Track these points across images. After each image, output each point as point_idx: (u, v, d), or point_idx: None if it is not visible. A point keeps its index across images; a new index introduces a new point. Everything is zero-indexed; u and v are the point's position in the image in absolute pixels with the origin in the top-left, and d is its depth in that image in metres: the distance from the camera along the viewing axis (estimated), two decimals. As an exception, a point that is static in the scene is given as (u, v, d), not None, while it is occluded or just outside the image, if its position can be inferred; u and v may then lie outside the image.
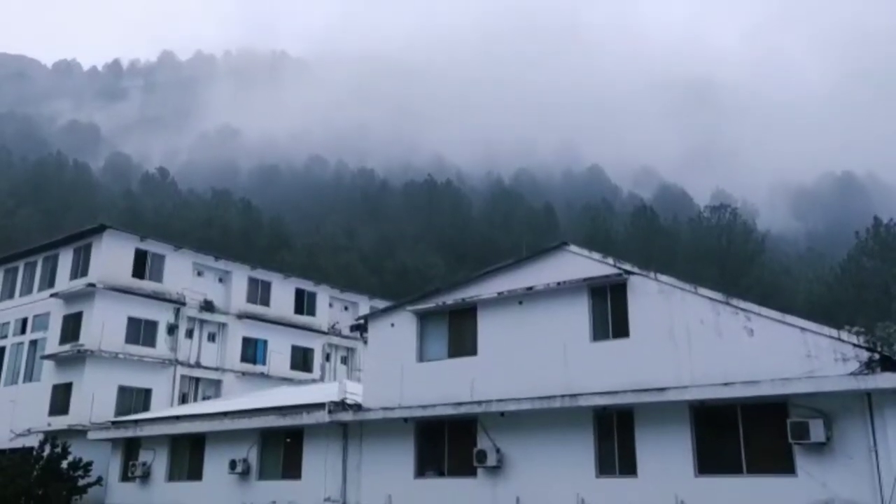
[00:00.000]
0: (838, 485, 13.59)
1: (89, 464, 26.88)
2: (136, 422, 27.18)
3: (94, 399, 31.43)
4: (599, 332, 17.41)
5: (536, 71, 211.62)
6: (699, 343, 15.79)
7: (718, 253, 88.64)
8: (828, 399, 13.92)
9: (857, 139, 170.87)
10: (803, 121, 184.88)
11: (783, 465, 14.28)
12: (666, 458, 15.53)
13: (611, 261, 17.73)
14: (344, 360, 44.79)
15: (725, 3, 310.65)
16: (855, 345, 14.17)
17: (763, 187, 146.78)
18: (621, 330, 17.05)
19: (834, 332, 14.56)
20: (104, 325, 32.99)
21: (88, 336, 32.60)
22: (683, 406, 15.48)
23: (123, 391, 33.08)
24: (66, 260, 35.81)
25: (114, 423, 28.48)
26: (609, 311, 17.38)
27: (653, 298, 16.71)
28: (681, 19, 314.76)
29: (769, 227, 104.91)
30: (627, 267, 17.38)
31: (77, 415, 31.05)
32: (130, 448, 26.55)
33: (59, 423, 31.21)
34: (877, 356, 13.84)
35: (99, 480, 26.67)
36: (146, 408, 32.90)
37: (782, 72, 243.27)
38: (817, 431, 13.72)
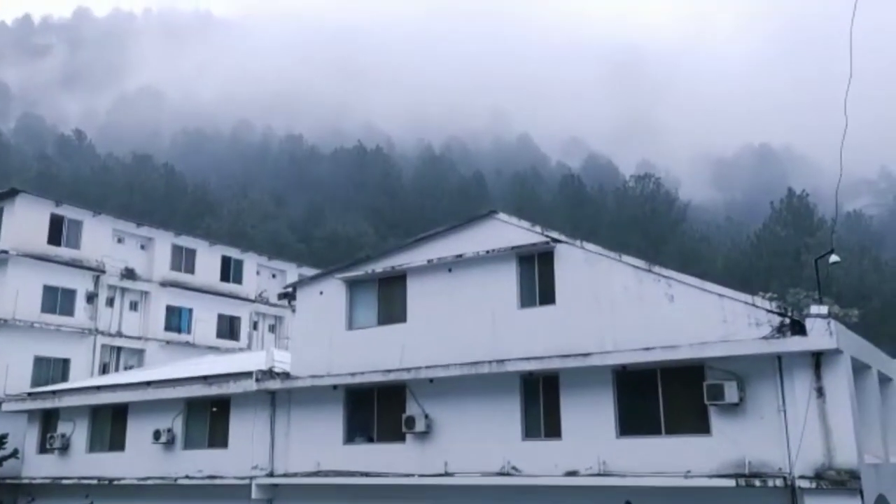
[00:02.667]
0: (750, 443, 14.27)
1: (4, 436, 26.03)
2: (53, 392, 26.36)
3: (9, 370, 30.30)
4: (527, 299, 17.69)
5: (468, 38, 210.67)
6: (622, 309, 16.23)
7: (642, 222, 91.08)
8: (742, 362, 14.54)
9: (775, 112, 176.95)
10: (725, 94, 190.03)
11: (699, 426, 14.89)
12: (589, 420, 16.00)
13: (538, 229, 17.96)
14: (272, 329, 44.35)
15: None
16: (768, 310, 14.80)
17: (685, 158, 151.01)
18: (548, 297, 17.36)
19: (749, 298, 15.15)
20: (18, 293, 31.73)
21: (1, 305, 31.32)
22: (606, 370, 15.94)
23: (40, 362, 32.03)
24: (-26, 226, 34.14)
25: (30, 394, 27.55)
26: (536, 279, 17.66)
27: (579, 266, 17.05)
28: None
29: (691, 198, 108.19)
30: (555, 235, 17.65)
31: (-10, 387, 29.87)
32: (48, 420, 25.78)
33: (-29, 395, 29.99)
34: (787, 321, 14.48)
35: (15, 453, 25.85)
36: (64, 378, 31.95)
37: (708, 46, 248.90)
38: (731, 393, 14.33)
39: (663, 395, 15.50)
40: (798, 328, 14.19)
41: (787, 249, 71.80)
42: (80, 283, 34.60)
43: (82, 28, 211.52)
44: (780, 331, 14.42)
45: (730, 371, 14.59)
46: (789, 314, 14.64)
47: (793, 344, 14.08)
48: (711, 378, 14.71)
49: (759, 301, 15.15)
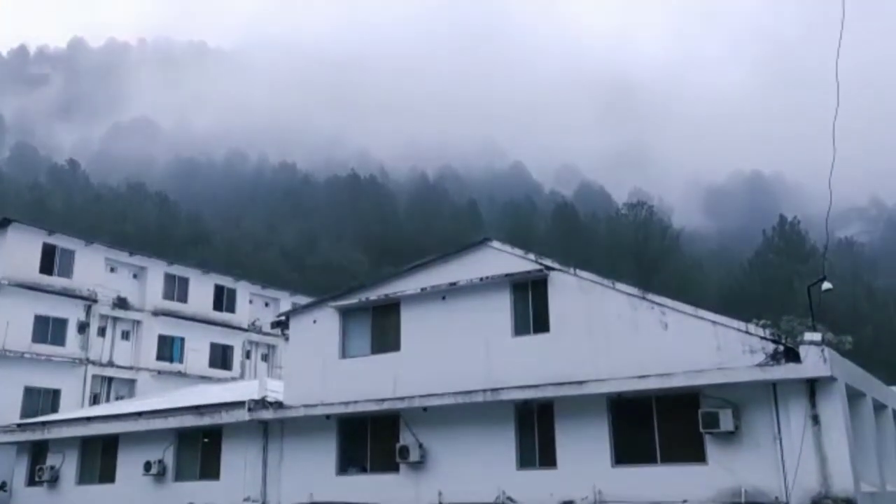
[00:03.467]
0: (746, 472, 14.18)
1: (-8, 469, 25.68)
2: (43, 424, 26.03)
3: (-2, 401, 30.01)
4: (521, 327, 17.65)
5: (462, 66, 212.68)
6: (617, 337, 16.20)
7: (635, 249, 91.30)
8: (736, 390, 14.50)
9: (765, 140, 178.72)
10: (716, 122, 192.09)
11: (694, 454, 14.80)
12: (584, 449, 15.88)
13: (532, 257, 17.99)
14: (265, 358, 44.10)
15: (648, 7, 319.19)
16: (762, 337, 14.80)
17: (678, 186, 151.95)
18: (542, 325, 17.33)
19: (742, 326, 15.16)
20: (8, 323, 31.54)
21: (-9, 335, 31.08)
22: (601, 398, 15.87)
23: (30, 392, 31.76)
24: (-34, 255, 33.98)
25: (19, 425, 27.19)
26: (530, 307, 17.64)
27: (573, 293, 17.05)
28: (604, 20, 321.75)
29: (683, 225, 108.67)
30: (548, 263, 17.66)
31: (-21, 418, 29.52)
32: (38, 451, 25.41)
33: (-40, 426, 29.61)
34: (781, 348, 14.48)
35: (3, 486, 25.50)
36: (55, 409, 31.67)
37: (699, 75, 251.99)
38: (726, 421, 14.27)
39: (658, 424, 15.43)
40: (792, 355, 14.19)
41: (780, 276, 72.01)
42: (72, 313, 34.43)
43: (77, 58, 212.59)
44: (775, 358, 14.41)
45: (725, 399, 14.53)
46: (783, 341, 14.64)
47: (787, 371, 14.05)
48: (706, 406, 14.65)
49: (753, 328, 15.16)
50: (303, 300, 36.59)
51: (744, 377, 14.36)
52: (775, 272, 74.11)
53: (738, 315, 16.15)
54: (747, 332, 14.95)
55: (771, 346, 14.59)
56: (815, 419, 13.84)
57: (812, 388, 13.98)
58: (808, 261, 72.81)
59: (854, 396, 15.34)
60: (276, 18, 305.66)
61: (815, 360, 13.77)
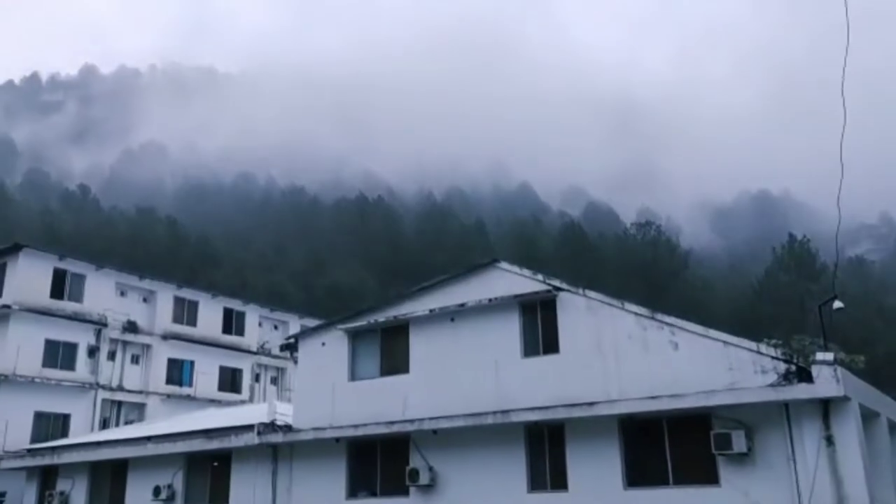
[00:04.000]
0: (760, 493, 14.01)
1: (3, 494, 25.69)
2: (53, 449, 26.00)
3: (9, 426, 30.05)
4: (530, 348, 17.58)
5: (467, 88, 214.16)
6: (627, 357, 16.12)
7: (644, 269, 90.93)
8: (749, 410, 14.37)
9: (772, 159, 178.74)
10: (723, 141, 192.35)
11: (707, 476, 14.64)
12: (596, 471, 15.75)
13: (541, 277, 17.96)
14: (274, 381, 44.03)
15: (653, 27, 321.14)
16: (773, 357, 14.69)
17: (685, 205, 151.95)
18: (551, 345, 17.26)
19: (754, 346, 15.05)
20: (19, 348, 31.64)
21: (2, 360, 31.22)
22: (612, 420, 15.75)
23: (40, 417, 31.77)
24: (-22, 281, 34.20)
25: (29, 450, 27.18)
26: (539, 327, 17.59)
27: (582, 314, 16.99)
28: (610, 42, 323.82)
29: (692, 244, 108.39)
30: (557, 283, 17.63)
31: (-11, 443, 29.55)
32: (47, 477, 25.35)
33: (-30, 452, 29.63)
34: (793, 368, 14.37)
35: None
36: (65, 434, 31.65)
37: (705, 95, 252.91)
38: (739, 442, 14.13)
39: (670, 445, 15.29)
40: (805, 375, 14.07)
41: (791, 295, 71.52)
42: (82, 337, 34.51)
43: (89, 85, 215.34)
44: (787, 378, 14.30)
45: (737, 420, 14.40)
46: (795, 361, 14.52)
47: (800, 391, 13.93)
48: (719, 427, 14.52)
49: (765, 348, 15.03)
50: (311, 322, 36.60)
51: (756, 398, 14.24)
52: (785, 291, 73.62)
53: (748, 335, 16.05)
54: (759, 352, 14.84)
55: (783, 366, 14.48)
56: (830, 440, 13.69)
57: (826, 408, 13.84)
58: (818, 279, 72.34)
59: (868, 416, 15.19)
60: (283, 42, 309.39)
61: (827, 379, 13.65)
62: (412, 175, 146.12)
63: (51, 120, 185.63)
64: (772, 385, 14.29)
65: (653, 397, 15.03)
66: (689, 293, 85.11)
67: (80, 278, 35.14)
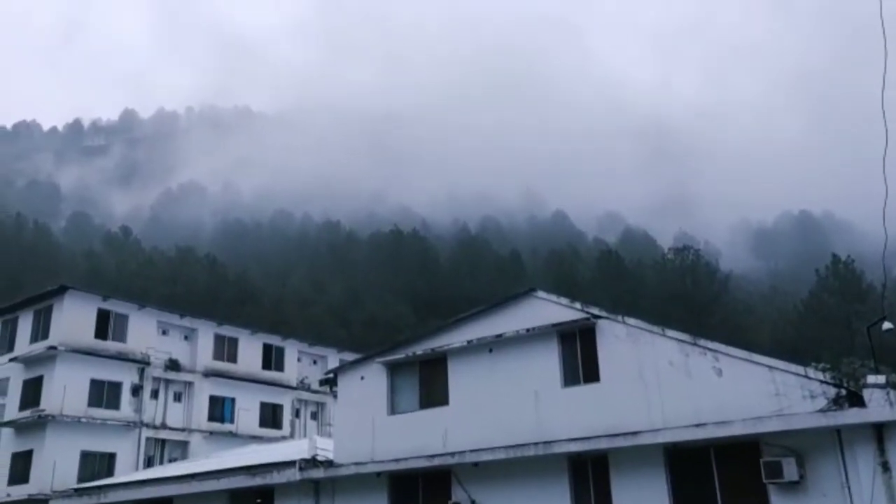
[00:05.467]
0: (814, 523, 13.57)
1: (50, 534, 25.92)
2: (100, 488, 26.25)
3: (56, 466, 30.49)
4: (570, 378, 17.38)
5: (500, 118, 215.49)
6: (669, 385, 15.84)
7: (683, 294, 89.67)
8: (799, 437, 13.99)
9: (812, 179, 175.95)
10: (760, 162, 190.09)
11: (759, 506, 14.24)
12: (642, 502, 15.41)
13: (578, 305, 17.81)
14: (314, 416, 44.11)
15: (683, 51, 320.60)
16: (822, 381, 14.31)
17: (724, 228, 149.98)
18: (592, 374, 17.05)
19: (801, 370, 14.69)
20: (66, 388, 32.18)
21: (49, 400, 31.75)
22: (657, 449, 15.44)
23: (86, 456, 32.16)
24: (25, 323, 35.04)
25: (77, 490, 27.49)
26: (579, 356, 17.40)
27: (621, 342, 16.78)
28: (641, 67, 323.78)
29: (732, 268, 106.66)
30: (595, 311, 17.46)
31: (38, 483, 30.04)
32: (93, 516, 25.59)
33: (19, 492, 30.18)
34: (844, 392, 13.98)
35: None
36: (110, 473, 31.97)
37: (739, 116, 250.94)
38: (790, 470, 13.74)
39: (718, 474, 14.92)
40: (856, 399, 13.68)
41: (837, 317, 69.82)
42: (126, 376, 35.01)
43: (129, 129, 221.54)
44: (837, 403, 13.90)
45: (787, 447, 14.01)
46: (845, 385, 14.13)
47: (852, 416, 13.53)
48: (768, 455, 14.14)
49: (813, 372, 14.66)
50: (350, 356, 36.69)
51: (806, 424, 13.85)
52: (831, 313, 71.90)
53: (794, 358, 15.70)
54: (806, 377, 14.48)
55: (832, 391, 14.10)
56: (885, 466, 13.23)
57: (879, 433, 13.40)
58: (865, 300, 70.57)
59: (925, 441, 14.66)
60: (316, 80, 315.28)
61: (880, 403, 13.25)
62: (446, 207, 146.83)
63: (93, 164, 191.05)
64: (822, 410, 13.90)
65: (698, 425, 14.71)
66: (730, 317, 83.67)
67: (123, 318, 35.76)
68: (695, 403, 15.19)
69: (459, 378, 18.86)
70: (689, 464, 15.30)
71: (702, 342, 15.92)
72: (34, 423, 31.62)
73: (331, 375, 21.75)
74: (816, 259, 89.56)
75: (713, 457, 15.01)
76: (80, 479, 30.27)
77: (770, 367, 14.90)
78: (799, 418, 13.95)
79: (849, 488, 13.48)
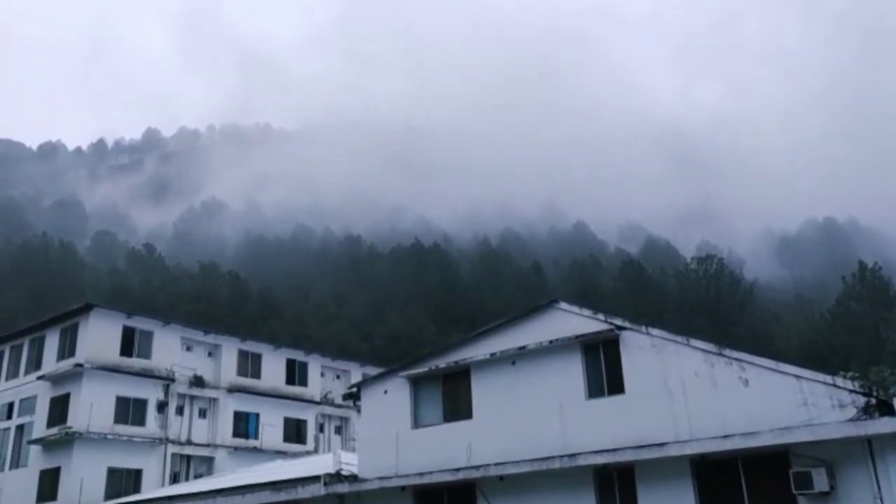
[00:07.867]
0: (846, 535, 13.33)
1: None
2: (126, 504, 26.45)
3: (84, 483, 30.73)
4: (594, 389, 17.27)
5: (520, 129, 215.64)
6: (695, 395, 15.68)
7: (708, 304, 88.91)
8: (829, 447, 13.77)
9: (837, 186, 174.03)
10: (783, 170, 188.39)
11: (789, 517, 14.02)
12: (670, 515, 15.22)
13: (602, 316, 17.71)
14: (338, 430, 44.13)
15: (704, 60, 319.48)
16: (851, 390, 14.09)
17: (747, 237, 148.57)
18: (616, 386, 16.93)
19: (829, 379, 14.48)
20: (92, 405, 32.47)
21: (76, 418, 32.04)
22: (684, 461, 15.27)
23: (113, 473, 32.38)
24: (52, 341, 35.47)
25: (103, 506, 27.72)
26: (603, 368, 17.28)
27: (646, 352, 16.65)
28: (662, 76, 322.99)
29: (756, 276, 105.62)
30: (619, 322, 17.35)
31: (66, 500, 30.29)
32: (121, 532, 25.78)
33: (48, 509, 30.39)
34: (874, 401, 13.76)
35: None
36: (136, 489, 32.16)
37: (761, 124, 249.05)
38: (820, 481, 13.52)
39: (747, 486, 14.72)
40: (887, 408, 13.45)
41: (865, 325, 68.80)
42: (152, 393, 35.26)
43: (152, 148, 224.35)
44: (867, 411, 13.68)
45: (817, 457, 13.80)
46: (875, 394, 13.90)
47: (882, 425, 13.30)
48: (797, 465, 13.93)
49: (841, 381, 14.43)
50: (373, 371, 36.67)
51: (835, 433, 13.64)
52: (859, 321, 70.85)
53: (822, 367, 15.50)
54: (835, 385, 14.26)
55: (862, 399, 13.88)
56: (918, 476, 12.97)
57: (911, 442, 13.17)
58: (893, 308, 69.58)
59: (958, 450, 14.37)
60: (336, 95, 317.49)
61: (911, 412, 13.01)
62: (467, 220, 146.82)
63: (117, 183, 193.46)
64: (852, 420, 13.69)
65: (725, 436, 14.54)
66: (755, 326, 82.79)
67: (147, 335, 36.07)
68: (721, 414, 15.02)
69: (483, 391, 18.81)
70: (716, 475, 15.11)
71: (727, 352, 15.76)
72: (62, 440, 31.92)
73: (354, 390, 21.79)
74: (842, 266, 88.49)
75: (741, 468, 14.81)
76: (107, 496, 30.48)
77: (798, 377, 14.71)
78: (828, 428, 13.74)
79: (881, 498, 13.24)
